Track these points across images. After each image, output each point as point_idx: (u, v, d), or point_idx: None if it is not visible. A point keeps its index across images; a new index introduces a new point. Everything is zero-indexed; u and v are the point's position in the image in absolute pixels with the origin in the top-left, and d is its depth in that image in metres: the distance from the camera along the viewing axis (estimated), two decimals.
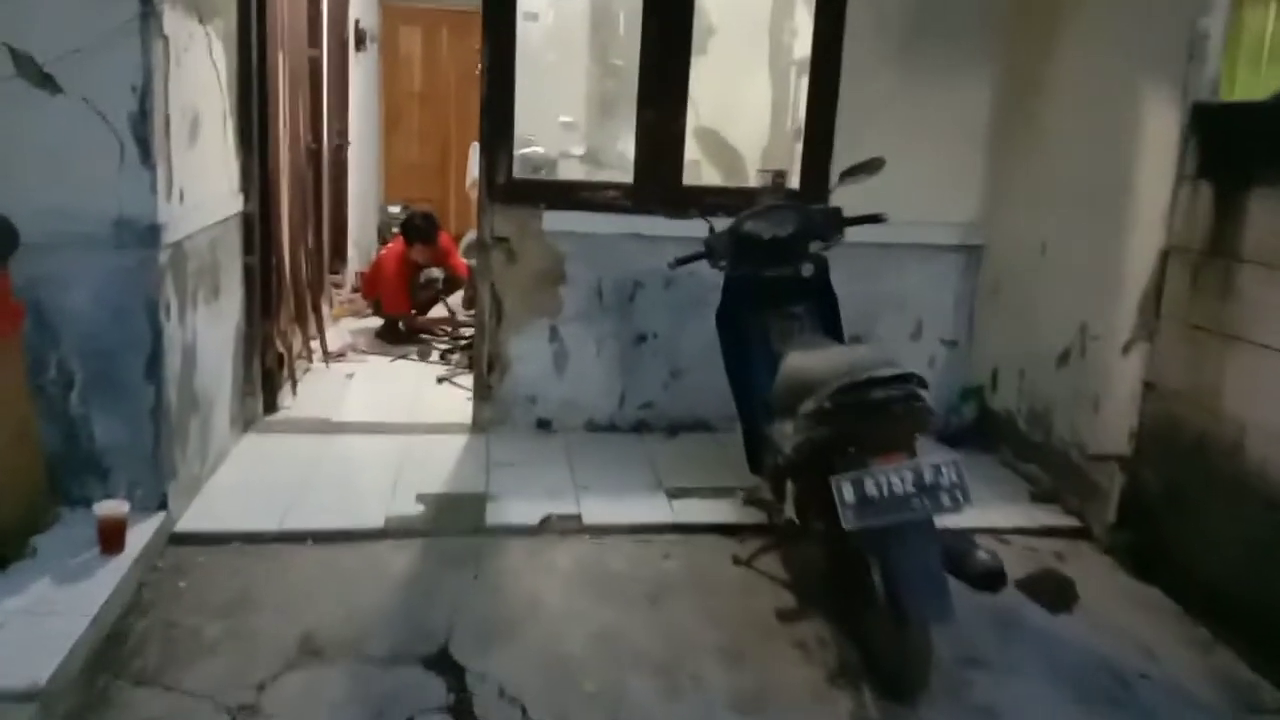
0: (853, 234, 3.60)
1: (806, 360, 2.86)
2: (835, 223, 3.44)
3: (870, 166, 3.41)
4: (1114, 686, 2.78)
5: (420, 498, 3.73)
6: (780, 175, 4.53)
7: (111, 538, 3.01)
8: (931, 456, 2.49)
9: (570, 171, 5.78)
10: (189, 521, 3.44)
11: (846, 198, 4.14)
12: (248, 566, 3.23)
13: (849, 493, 2.45)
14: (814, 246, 3.47)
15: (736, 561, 3.41)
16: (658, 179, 4.36)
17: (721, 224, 3.58)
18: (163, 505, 3.32)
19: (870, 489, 2.45)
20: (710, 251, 3.47)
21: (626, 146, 5.59)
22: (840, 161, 4.38)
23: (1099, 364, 3.77)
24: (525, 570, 3.30)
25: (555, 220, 4.36)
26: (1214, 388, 3.21)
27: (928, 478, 2.46)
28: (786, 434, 2.82)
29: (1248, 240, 3.10)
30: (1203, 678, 2.87)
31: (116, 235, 3.11)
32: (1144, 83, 3.56)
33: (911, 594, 2.39)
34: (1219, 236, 3.21)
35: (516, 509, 3.68)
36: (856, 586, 2.68)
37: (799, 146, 5.23)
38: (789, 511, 3.12)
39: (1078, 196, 3.93)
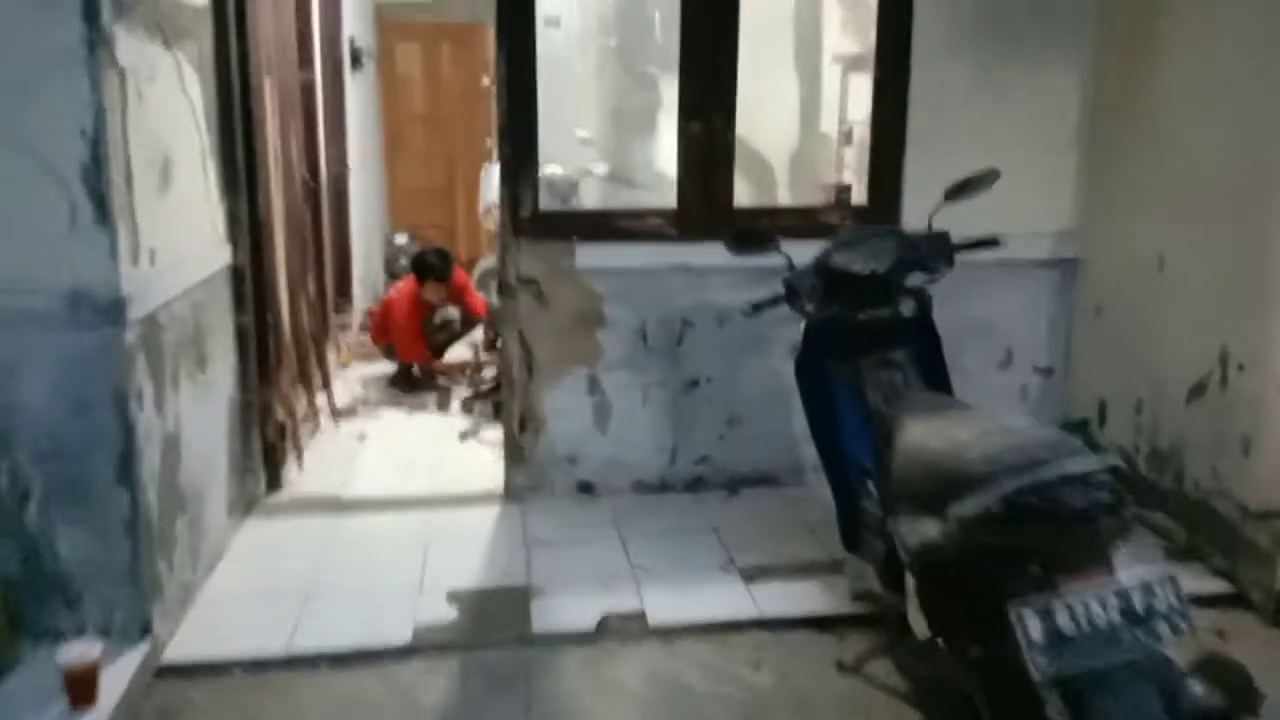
0: None
1: (937, 433, 2.26)
2: (941, 250, 2.84)
3: (984, 181, 2.82)
4: None
5: (452, 597, 3.15)
6: (845, 190, 3.96)
7: (81, 689, 2.44)
8: (1135, 570, 1.89)
9: (592, 194, 5.20)
10: (180, 647, 2.86)
11: (914, 211, 3.61)
12: (252, 703, 2.66)
13: (1036, 629, 1.85)
14: (915, 280, 2.88)
15: (842, 668, 2.82)
16: (706, 202, 3.77)
17: (797, 255, 2.99)
18: (146, 630, 2.75)
19: (1064, 622, 1.85)
20: (791, 292, 2.88)
21: (657, 163, 5.04)
22: (913, 170, 3.84)
23: (1249, 398, 3.16)
24: (585, 694, 2.72)
25: (590, 255, 3.78)
26: None
27: (1138, 603, 1.86)
28: (917, 531, 2.23)
29: None
30: None
31: (72, 312, 2.54)
32: None
33: None
34: None
35: (567, 607, 3.09)
36: None
37: (848, 152, 4.67)
38: (910, 613, 2.52)
39: (1209, 200, 3.32)
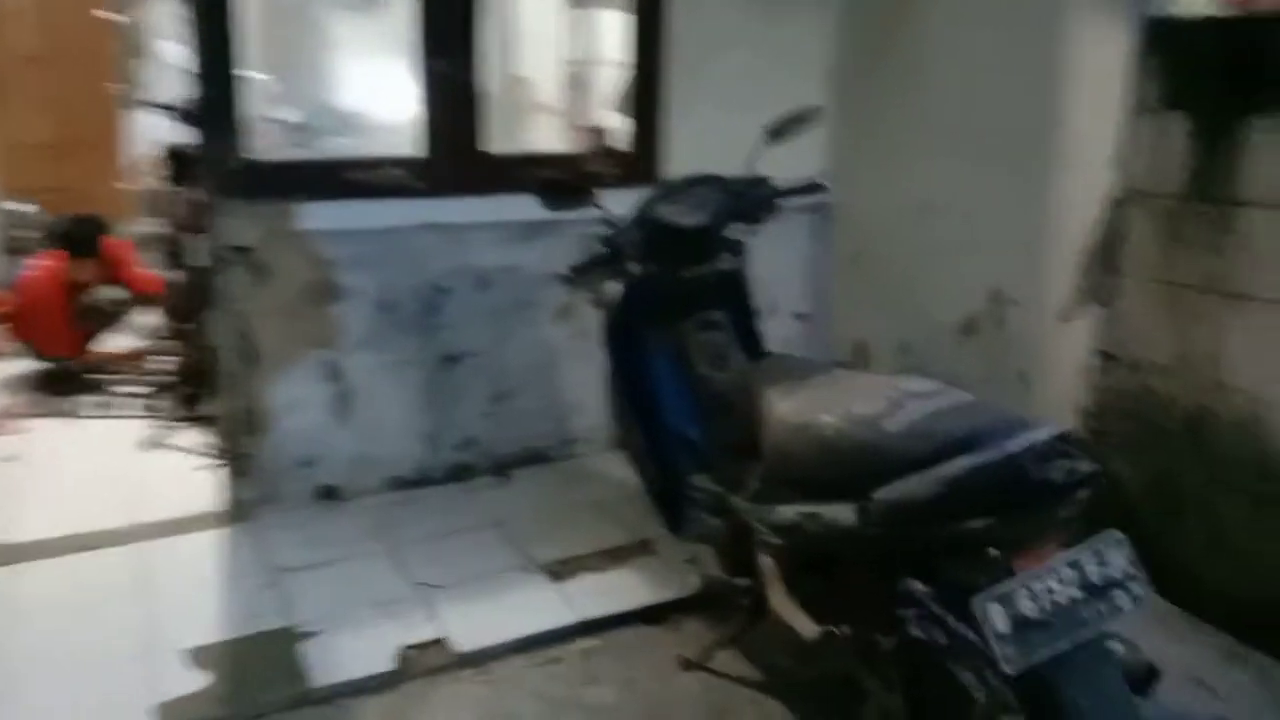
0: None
1: (824, 405, 1.96)
2: (766, 198, 2.55)
3: (806, 118, 2.55)
4: None
5: (197, 656, 2.46)
6: (603, 134, 3.59)
7: None
8: (1088, 542, 1.70)
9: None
10: None
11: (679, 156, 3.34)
12: None
13: (1000, 619, 1.61)
14: (734, 231, 2.57)
15: (688, 665, 2.50)
16: (456, 149, 3.24)
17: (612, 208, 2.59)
18: None
19: (1027, 607, 1.62)
20: (615, 251, 2.47)
21: (363, 106, 4.38)
22: (677, 114, 3.54)
23: (1025, 334, 3.19)
24: None
25: (319, 215, 3.13)
26: (1211, 357, 2.70)
27: (1094, 574, 1.67)
28: (819, 517, 1.93)
29: (1251, 179, 2.58)
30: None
31: None
32: None
33: None
34: (1205, 177, 2.69)
35: (348, 647, 2.52)
36: None
37: (601, 93, 4.31)
38: (776, 601, 2.24)
39: (976, 142, 3.29)
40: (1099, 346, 3.02)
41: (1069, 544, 1.71)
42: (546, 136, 4.70)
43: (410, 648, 2.51)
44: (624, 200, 2.67)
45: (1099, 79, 2.89)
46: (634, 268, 2.47)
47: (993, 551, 1.66)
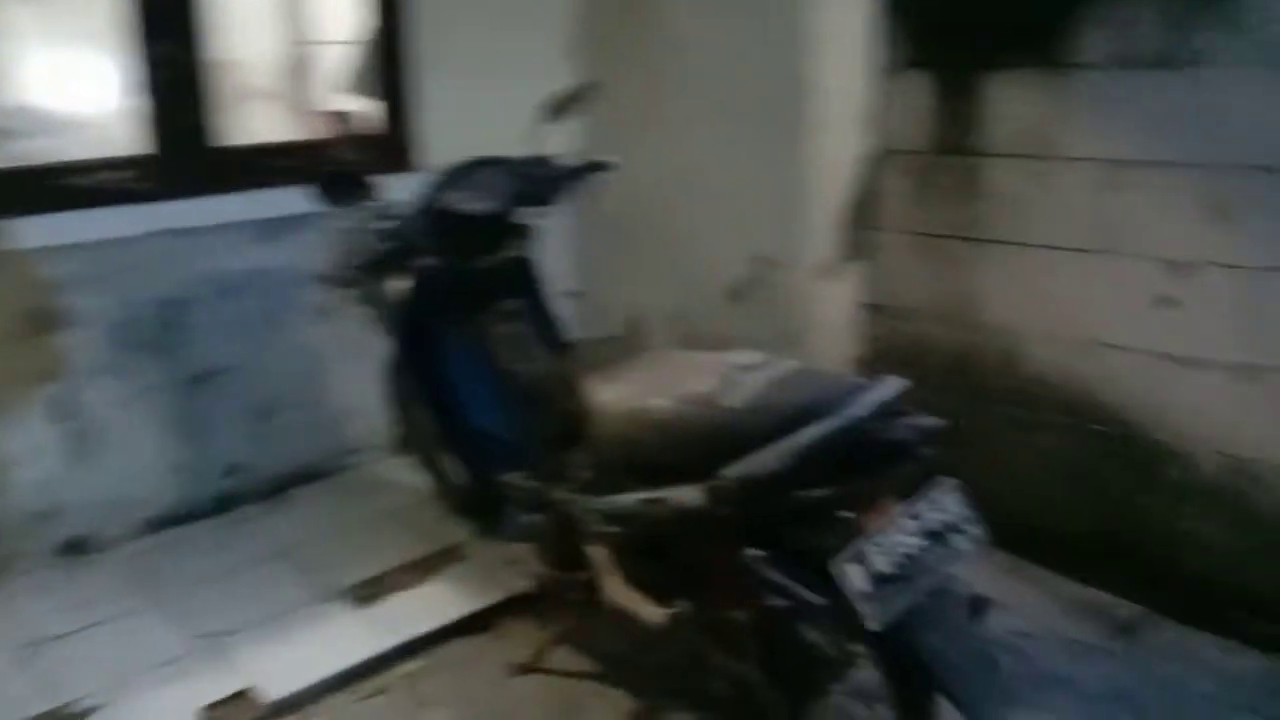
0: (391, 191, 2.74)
1: (652, 389, 1.91)
2: (556, 179, 2.46)
3: (582, 93, 2.47)
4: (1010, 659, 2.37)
5: None
6: (348, 118, 3.35)
7: None
8: (924, 492, 1.75)
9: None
10: None
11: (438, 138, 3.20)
12: None
13: (859, 579, 1.63)
14: (525, 215, 2.46)
15: (523, 670, 2.40)
16: (188, 144, 2.91)
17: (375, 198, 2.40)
18: None
19: (881, 563, 1.66)
20: (403, 244, 2.28)
21: (63, 102, 3.83)
22: (425, 94, 3.36)
23: (792, 294, 3.30)
24: None
25: (31, 231, 2.70)
26: (969, 299, 2.91)
27: (933, 521, 1.73)
28: (667, 501, 1.89)
29: (994, 132, 2.79)
30: (1069, 615, 2.60)
31: None
32: None
33: (969, 694, 1.67)
34: (952, 132, 2.87)
35: (147, 713, 2.22)
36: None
37: (339, 73, 4.03)
38: (614, 591, 2.19)
39: (730, 107, 3.34)
40: (865, 299, 3.18)
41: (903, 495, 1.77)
42: (270, 125, 4.33)
43: (212, 707, 2.25)
44: (396, 189, 2.49)
45: (845, 41, 3.01)
46: (425, 260, 2.31)
47: (845, 514, 1.68)
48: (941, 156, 2.90)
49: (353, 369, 3.33)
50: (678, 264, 3.64)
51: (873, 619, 1.62)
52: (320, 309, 3.29)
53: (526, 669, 2.40)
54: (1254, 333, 2.41)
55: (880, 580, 1.65)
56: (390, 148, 3.29)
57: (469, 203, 2.32)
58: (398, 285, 2.44)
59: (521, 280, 2.51)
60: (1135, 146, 2.53)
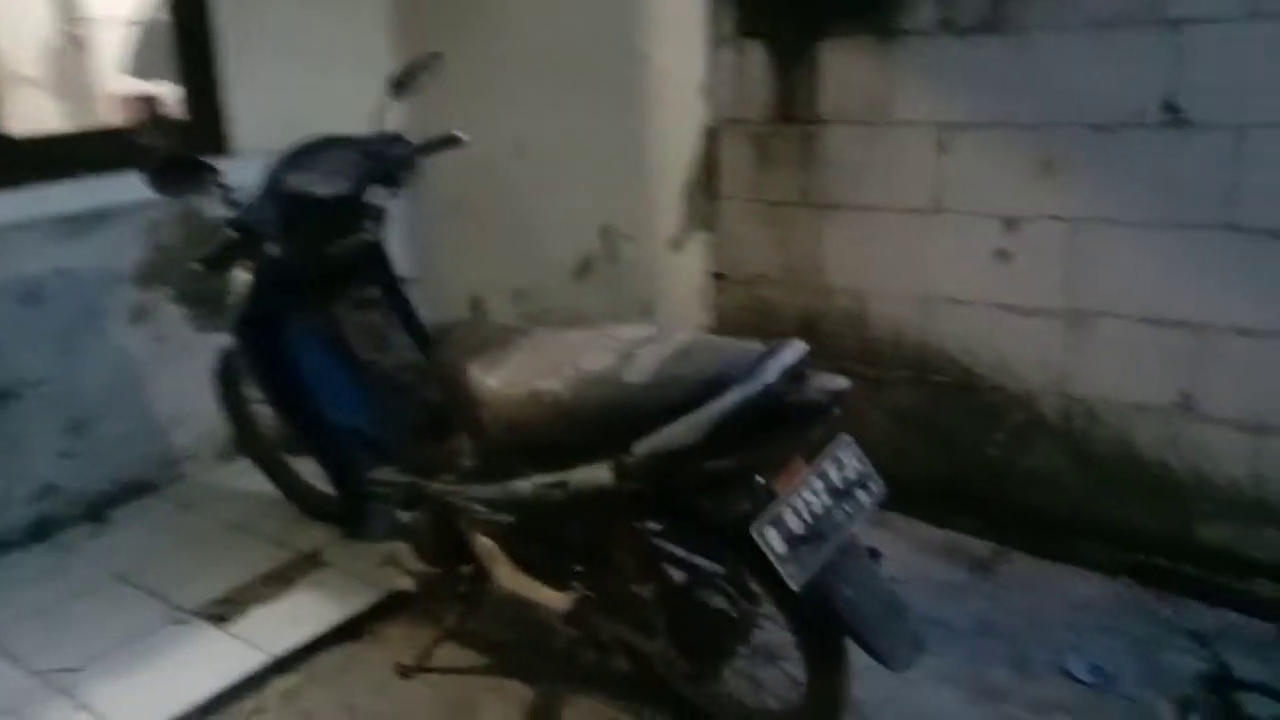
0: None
1: (542, 371, 1.84)
2: (405, 157, 2.32)
3: (426, 66, 2.35)
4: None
5: None
6: (152, 102, 3.08)
7: None
8: (825, 451, 1.77)
9: None
10: None
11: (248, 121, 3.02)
12: None
13: (778, 542, 1.64)
14: (375, 196, 2.33)
15: (407, 672, 2.30)
16: None
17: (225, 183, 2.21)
18: None
19: (795, 524, 1.67)
20: (248, 233, 2.10)
21: None
22: (233, 75, 3.13)
23: (640, 266, 3.30)
24: None
25: None
26: (814, 263, 2.99)
27: (836, 479, 1.76)
28: (528, 489, 1.85)
29: (829, 100, 2.86)
30: (932, 558, 2.74)
31: None
32: None
33: (884, 642, 1.72)
34: (788, 101, 2.93)
35: None
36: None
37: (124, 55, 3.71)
38: (506, 580, 2.12)
39: (563, 78, 3.28)
40: (711, 268, 3.21)
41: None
42: (54, 113, 3.92)
43: None
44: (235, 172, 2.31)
45: (679, 13, 3.02)
46: (272, 248, 2.14)
47: (759, 479, 1.69)
48: (779, 125, 2.96)
49: (175, 373, 3.11)
50: (520, 242, 3.56)
51: (793, 579, 1.64)
52: (136, 310, 3.02)
53: (412, 670, 2.29)
54: (1082, 280, 2.59)
55: (795, 541, 1.66)
56: (198, 132, 3.05)
57: (318, 185, 2.17)
58: (240, 277, 2.25)
59: (373, 265, 2.38)
60: (966, 109, 2.66)
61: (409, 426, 2.30)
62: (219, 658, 2.32)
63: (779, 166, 2.98)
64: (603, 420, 1.74)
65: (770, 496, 1.69)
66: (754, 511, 1.66)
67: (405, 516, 2.31)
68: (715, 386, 1.64)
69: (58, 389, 2.87)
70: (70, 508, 2.94)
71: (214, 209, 2.28)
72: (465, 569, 2.22)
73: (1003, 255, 2.68)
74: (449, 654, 2.34)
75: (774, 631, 1.93)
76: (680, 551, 1.97)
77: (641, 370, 1.74)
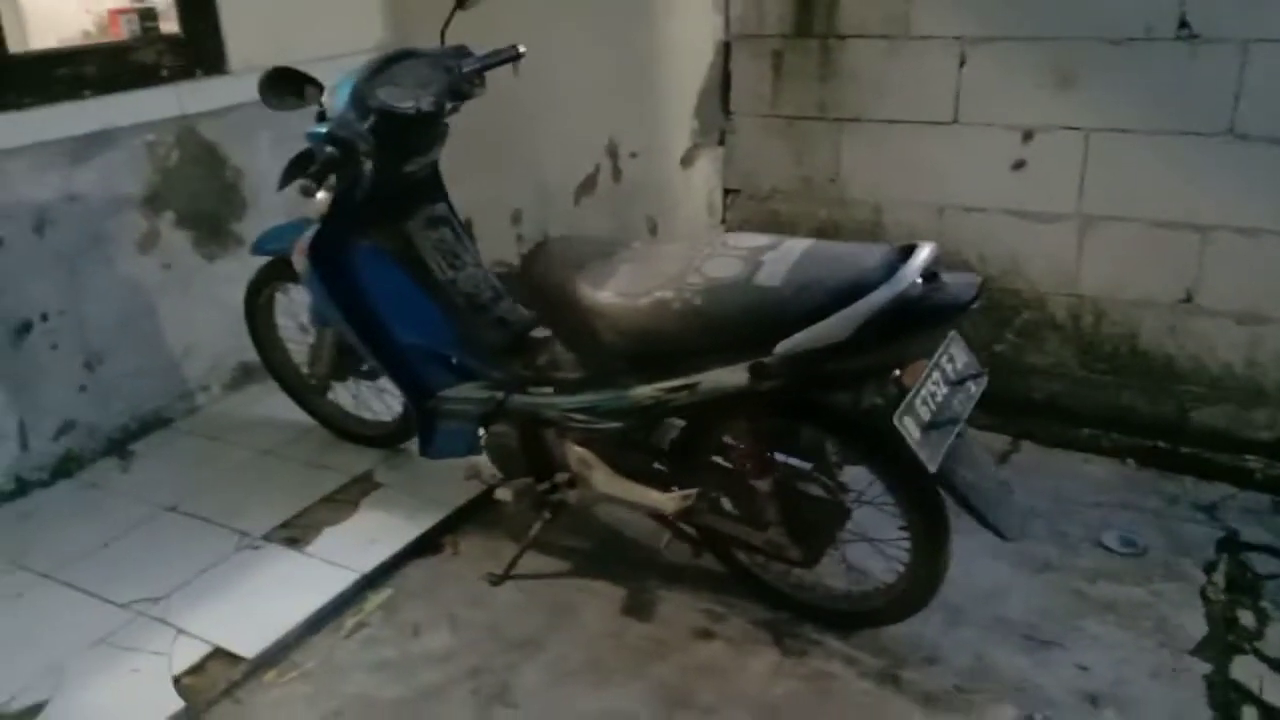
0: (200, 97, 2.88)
1: (660, 279, 1.90)
2: (472, 71, 2.30)
3: None
4: None
5: None
6: (150, 16, 2.94)
7: None
8: (942, 346, 1.89)
9: None
10: None
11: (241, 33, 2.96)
12: None
13: (915, 430, 1.77)
14: (447, 112, 2.30)
15: (499, 580, 2.36)
16: None
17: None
18: None
19: (924, 413, 1.80)
20: (347, 149, 2.06)
21: None
22: None
23: (648, 182, 3.36)
24: None
25: None
26: (831, 176, 3.11)
27: (950, 371, 1.89)
28: (651, 394, 1.94)
29: (847, 15, 2.95)
30: None
31: None
32: None
33: (1001, 516, 1.87)
34: (806, 16, 3.00)
35: (104, 706, 1.98)
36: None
37: None
38: (605, 485, 2.20)
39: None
40: (724, 184, 3.29)
41: None
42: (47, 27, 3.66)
43: (185, 675, 2.03)
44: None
45: None
46: (366, 163, 2.11)
47: (896, 373, 1.81)
48: (796, 40, 3.03)
49: (181, 302, 3.03)
50: (518, 160, 3.54)
51: (931, 462, 1.77)
52: (144, 237, 2.92)
53: (502, 579, 2.36)
54: (1094, 187, 2.78)
55: (926, 428, 1.80)
56: (188, 48, 2.93)
57: (407, 100, 2.13)
58: (321, 198, 2.21)
59: (438, 183, 2.37)
60: (986, 23, 2.79)
61: (490, 342, 2.32)
62: (306, 578, 2.33)
63: (796, 81, 3.06)
64: (742, 324, 1.82)
65: (901, 389, 1.81)
66: (889, 404, 1.78)
67: (483, 432, 2.34)
68: (857, 289, 1.73)
69: (70, 321, 2.76)
70: (93, 443, 2.85)
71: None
72: (558, 477, 2.28)
73: (1019, 164, 2.85)
74: (532, 562, 2.41)
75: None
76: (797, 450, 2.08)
77: (773, 275, 1.82)
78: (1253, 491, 2.72)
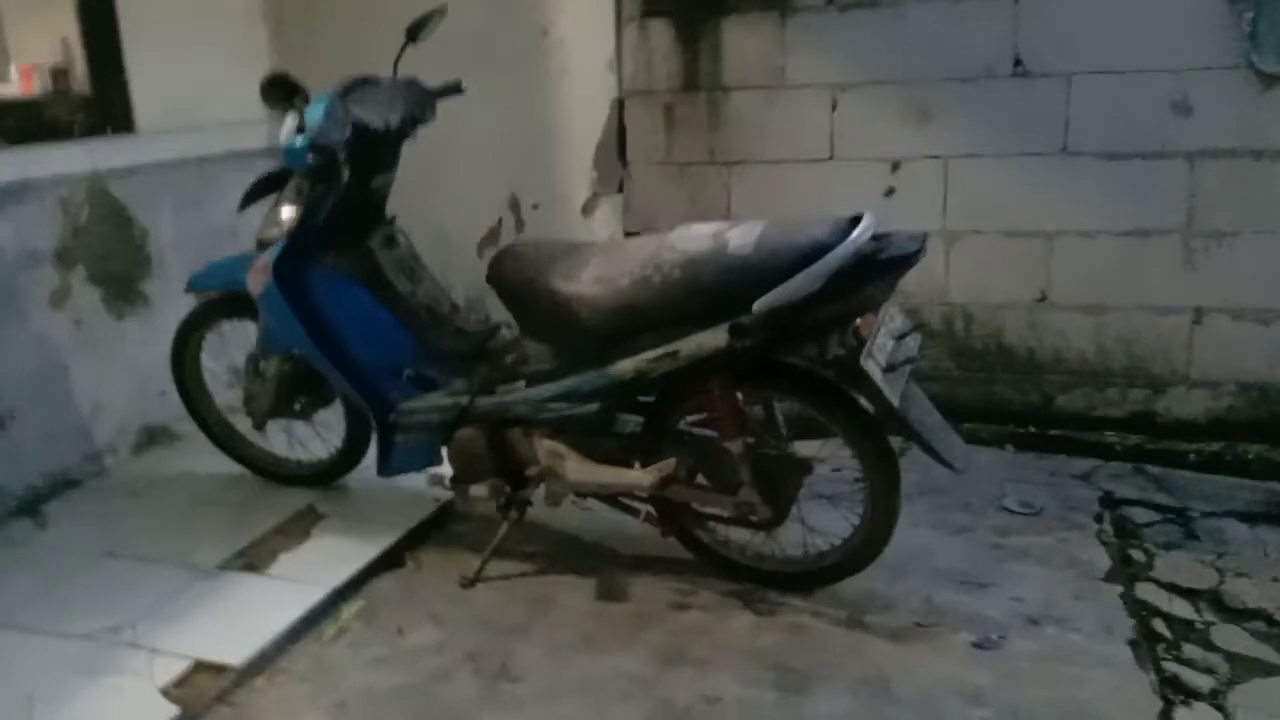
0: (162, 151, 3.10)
1: (633, 262, 2.09)
2: (426, 99, 2.45)
3: (436, 13, 2.48)
4: None
5: None
6: (63, 75, 2.96)
7: None
8: (886, 305, 2.14)
9: None
10: None
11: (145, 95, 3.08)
12: None
13: (877, 373, 2.01)
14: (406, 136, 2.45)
15: (469, 584, 2.41)
16: None
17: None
18: None
19: (881, 359, 2.04)
20: (329, 158, 2.15)
21: None
22: (132, 52, 3.06)
23: (551, 231, 3.56)
24: None
25: None
26: (723, 214, 3.39)
27: (893, 326, 2.15)
28: (631, 368, 2.11)
29: (730, 69, 3.29)
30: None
31: None
32: None
33: (948, 449, 2.12)
34: (693, 71, 3.33)
35: (105, 712, 1.90)
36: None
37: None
38: (563, 468, 2.32)
39: (473, 60, 3.45)
40: (624, 228, 3.53)
41: None
42: None
43: (172, 687, 1.98)
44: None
45: None
46: (345, 173, 2.20)
47: (856, 322, 2.05)
48: (685, 93, 3.35)
49: (91, 361, 2.97)
50: (419, 211, 3.66)
51: (893, 398, 2.01)
52: (57, 292, 2.87)
53: (474, 581, 2.41)
54: (954, 206, 3.18)
55: (885, 370, 2.04)
56: (96, 106, 2.97)
57: (377, 117, 2.26)
58: (287, 214, 2.29)
59: (386, 204, 2.50)
60: (852, 71, 3.19)
61: (453, 350, 2.43)
62: (274, 596, 2.31)
63: (686, 131, 3.37)
64: (720, 290, 2.02)
65: (859, 340, 2.05)
66: (850, 354, 2.02)
67: (464, 435, 2.41)
68: (820, 248, 1.98)
69: None
70: (5, 502, 2.72)
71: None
72: (528, 470, 2.37)
73: (890, 191, 3.22)
74: (499, 567, 2.46)
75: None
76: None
77: (743, 246, 2.04)
78: (1116, 462, 3.10)
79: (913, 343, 2.20)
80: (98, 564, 2.46)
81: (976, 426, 3.23)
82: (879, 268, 2.00)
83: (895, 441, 2.20)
